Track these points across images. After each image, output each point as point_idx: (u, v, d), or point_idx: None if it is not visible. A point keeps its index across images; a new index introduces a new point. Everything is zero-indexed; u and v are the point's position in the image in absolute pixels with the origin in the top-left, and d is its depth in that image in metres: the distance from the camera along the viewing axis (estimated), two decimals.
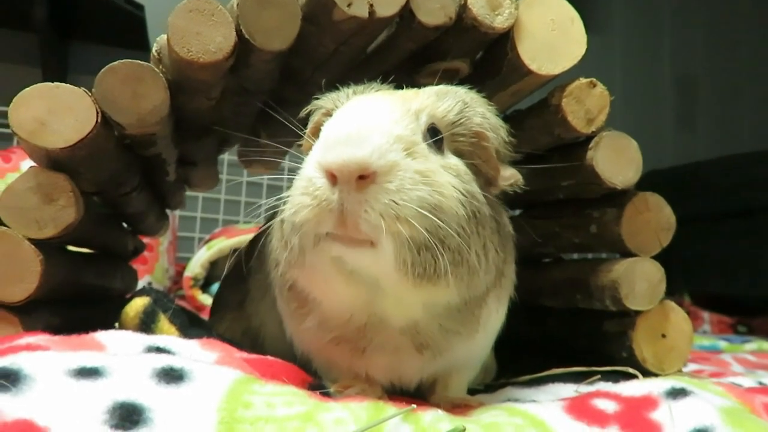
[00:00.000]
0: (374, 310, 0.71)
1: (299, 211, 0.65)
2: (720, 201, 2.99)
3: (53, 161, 0.82)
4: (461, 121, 0.74)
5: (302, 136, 0.83)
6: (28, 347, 0.64)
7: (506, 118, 0.80)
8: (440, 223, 0.64)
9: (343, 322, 0.74)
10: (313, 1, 0.85)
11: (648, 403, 0.71)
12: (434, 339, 0.75)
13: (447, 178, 0.68)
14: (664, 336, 1.00)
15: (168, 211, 1.52)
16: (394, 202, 0.62)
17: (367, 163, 0.62)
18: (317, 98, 0.81)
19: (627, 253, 1.00)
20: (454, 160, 0.72)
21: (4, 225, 0.80)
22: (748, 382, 1.02)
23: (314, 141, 0.73)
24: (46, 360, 0.58)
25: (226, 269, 0.93)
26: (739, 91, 4.15)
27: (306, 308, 0.77)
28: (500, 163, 0.77)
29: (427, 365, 0.77)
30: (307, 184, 0.66)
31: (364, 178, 0.62)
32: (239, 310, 1.09)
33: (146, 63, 0.83)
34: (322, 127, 0.72)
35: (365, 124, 0.65)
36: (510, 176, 0.78)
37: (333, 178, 0.63)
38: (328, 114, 0.77)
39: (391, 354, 0.75)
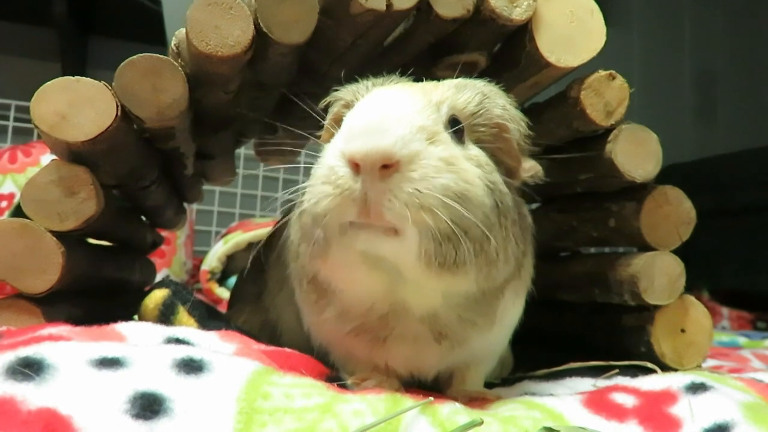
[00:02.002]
0: (396, 299, 0.71)
1: (321, 201, 0.65)
2: (739, 195, 2.96)
3: (74, 154, 0.83)
4: (481, 112, 0.74)
5: (319, 130, 0.83)
6: (51, 337, 0.65)
7: (524, 111, 0.80)
8: (464, 212, 0.64)
9: (364, 312, 0.74)
10: None
11: (667, 397, 0.71)
12: (453, 329, 0.74)
13: (471, 166, 0.68)
14: (683, 331, 0.99)
15: (185, 205, 1.53)
16: (418, 190, 0.62)
17: (391, 152, 0.62)
18: (336, 90, 0.81)
19: (646, 247, 0.99)
20: (475, 151, 0.72)
21: (27, 217, 0.81)
22: None
23: (333, 131, 0.73)
24: (68, 350, 0.59)
25: (249, 263, 0.94)
26: (759, 85, 4.09)
27: (325, 299, 0.77)
28: (521, 155, 0.77)
29: (445, 355, 0.77)
30: (328, 173, 0.65)
31: (387, 167, 0.62)
32: (257, 302, 1.10)
33: (165, 57, 0.84)
34: (341, 119, 0.72)
35: (388, 114, 0.65)
36: (530, 168, 0.77)
37: (356, 167, 0.63)
38: (348, 106, 0.77)
39: (411, 344, 0.75)
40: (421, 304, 0.72)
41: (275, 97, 1.11)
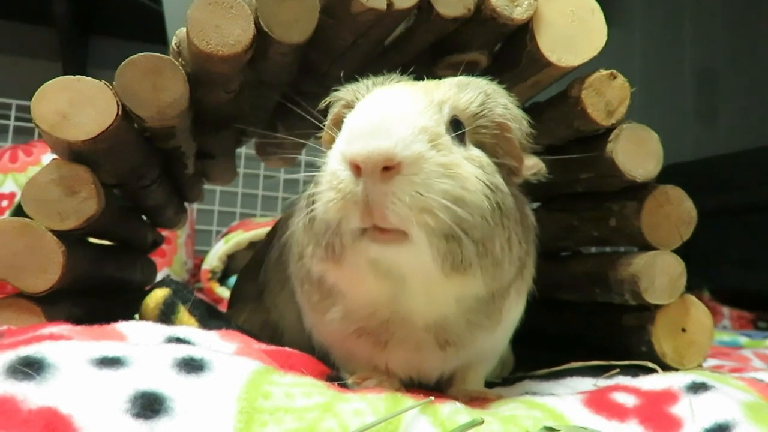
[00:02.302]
0: (397, 308, 0.71)
1: (327, 207, 0.65)
2: (740, 195, 2.95)
3: (75, 154, 0.83)
4: (483, 112, 0.74)
5: (320, 129, 0.83)
6: (51, 337, 0.65)
7: (525, 111, 0.79)
8: (465, 214, 0.64)
9: (366, 315, 0.74)
10: None
11: (668, 397, 0.71)
12: (460, 334, 0.74)
13: (471, 170, 0.67)
14: (684, 330, 0.99)
15: (186, 204, 1.53)
16: (420, 193, 0.62)
17: (392, 153, 0.61)
18: (336, 90, 0.81)
19: (647, 247, 0.99)
20: (476, 152, 0.72)
21: (28, 217, 0.81)
22: None
23: (334, 133, 0.73)
24: (69, 349, 0.59)
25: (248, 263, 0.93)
26: (760, 84, 4.08)
27: (329, 300, 0.77)
28: (522, 154, 0.77)
29: (449, 361, 0.77)
30: (331, 178, 0.65)
31: (388, 169, 0.61)
32: (258, 302, 1.10)
33: (166, 56, 0.84)
34: (342, 119, 0.72)
35: (389, 114, 0.64)
36: (533, 165, 0.77)
37: (357, 169, 0.62)
38: (348, 106, 0.76)
39: (412, 349, 0.74)
40: (430, 311, 0.72)
41: (276, 97, 1.11)
